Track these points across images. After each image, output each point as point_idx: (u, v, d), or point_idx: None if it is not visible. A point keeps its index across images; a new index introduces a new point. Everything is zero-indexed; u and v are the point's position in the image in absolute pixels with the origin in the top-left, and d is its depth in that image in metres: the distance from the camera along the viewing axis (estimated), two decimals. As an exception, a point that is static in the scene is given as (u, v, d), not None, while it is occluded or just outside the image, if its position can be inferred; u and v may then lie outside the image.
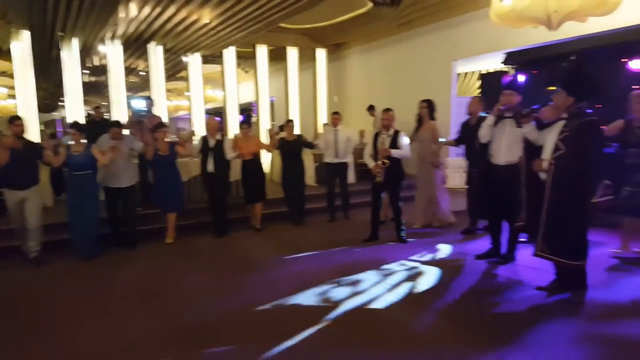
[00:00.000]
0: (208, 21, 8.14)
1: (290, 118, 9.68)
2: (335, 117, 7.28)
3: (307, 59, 12.64)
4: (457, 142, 6.33)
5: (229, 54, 11.42)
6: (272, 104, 15.48)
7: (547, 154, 3.81)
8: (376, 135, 5.87)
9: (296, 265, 5.07)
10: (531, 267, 4.59)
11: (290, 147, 6.96)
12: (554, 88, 3.98)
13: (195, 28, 8.74)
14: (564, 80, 3.82)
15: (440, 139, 6.53)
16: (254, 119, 14.81)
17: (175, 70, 13.64)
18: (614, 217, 5.86)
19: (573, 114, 3.71)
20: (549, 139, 3.84)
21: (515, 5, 5.11)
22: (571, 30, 6.12)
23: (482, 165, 4.84)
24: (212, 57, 12.40)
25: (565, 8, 4.81)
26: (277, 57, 12.66)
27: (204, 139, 6.39)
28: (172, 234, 6.22)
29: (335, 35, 11.62)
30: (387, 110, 5.86)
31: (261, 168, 6.79)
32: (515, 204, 4.33)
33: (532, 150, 4.13)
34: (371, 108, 10.00)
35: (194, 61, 11.21)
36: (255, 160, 6.64)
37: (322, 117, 12.21)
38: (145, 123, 7.11)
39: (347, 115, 12.22)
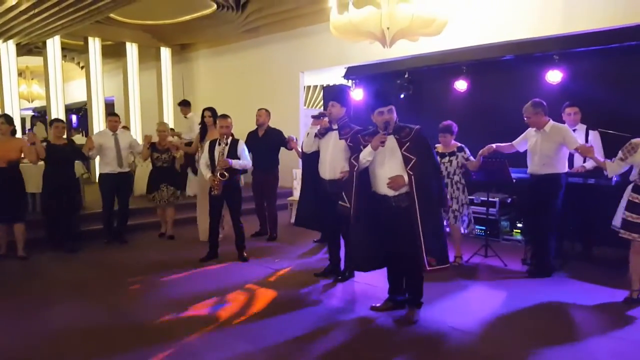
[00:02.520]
0: (14, 2, 6.81)
1: (58, 118, 7.54)
2: (114, 119, 6.13)
3: (150, 58, 11.64)
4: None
5: (53, 45, 9.90)
6: (111, 105, 14.04)
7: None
8: (212, 144, 5.37)
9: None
10: (369, 284, 4.50)
11: (57, 154, 5.57)
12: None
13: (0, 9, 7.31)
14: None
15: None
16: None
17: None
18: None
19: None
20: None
21: (351, 19, 5.08)
22: (405, 48, 6.38)
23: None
24: (37, 48, 10.73)
25: (397, 25, 4.89)
26: (116, 53, 11.44)
27: None
28: None
29: (180, 35, 10.83)
30: (225, 116, 5.35)
31: (18, 180, 5.43)
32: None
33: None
34: (185, 104, 8.63)
35: (6, 50, 9.46)
36: (11, 169, 5.33)
37: (169, 121, 11.26)
38: None
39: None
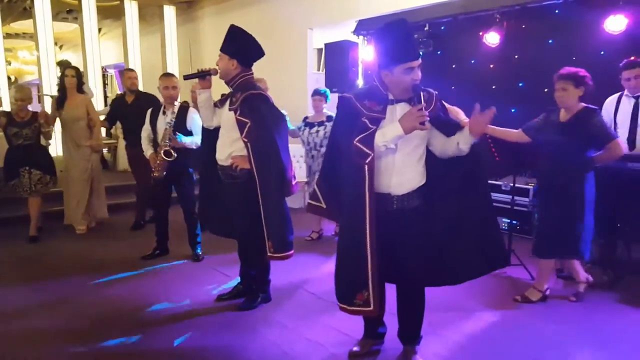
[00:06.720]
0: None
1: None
2: None
3: (153, 19, 10.69)
4: (108, 122, 5.43)
5: (42, 3, 9.06)
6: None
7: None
8: (154, 112, 4.31)
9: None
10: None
11: None
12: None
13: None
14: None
15: None
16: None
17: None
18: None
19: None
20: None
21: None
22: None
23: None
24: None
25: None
26: (116, 14, 10.55)
27: None
28: None
29: (183, -10, 9.81)
30: (169, 75, 4.30)
31: None
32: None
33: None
34: None
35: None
36: None
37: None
38: None
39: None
